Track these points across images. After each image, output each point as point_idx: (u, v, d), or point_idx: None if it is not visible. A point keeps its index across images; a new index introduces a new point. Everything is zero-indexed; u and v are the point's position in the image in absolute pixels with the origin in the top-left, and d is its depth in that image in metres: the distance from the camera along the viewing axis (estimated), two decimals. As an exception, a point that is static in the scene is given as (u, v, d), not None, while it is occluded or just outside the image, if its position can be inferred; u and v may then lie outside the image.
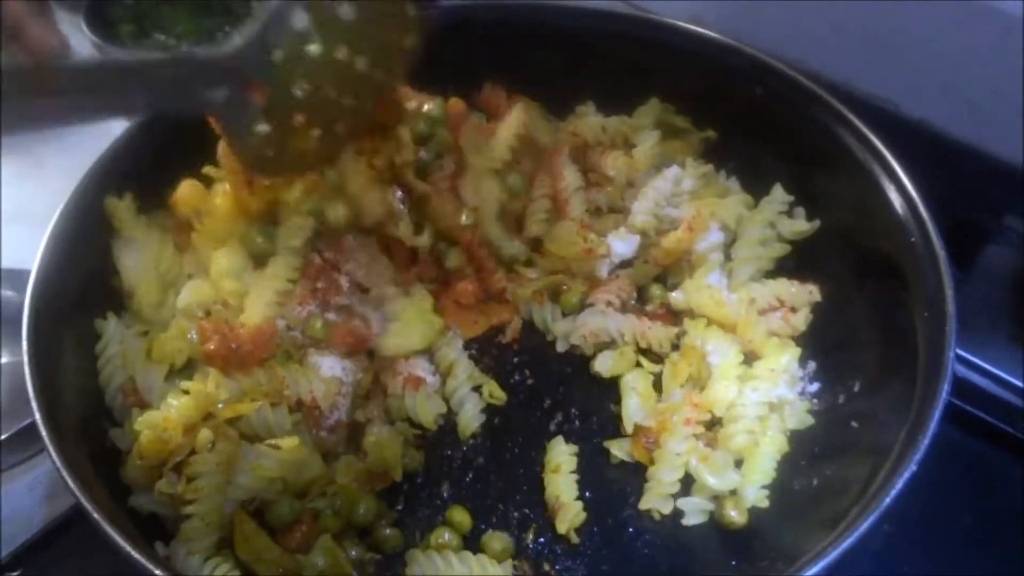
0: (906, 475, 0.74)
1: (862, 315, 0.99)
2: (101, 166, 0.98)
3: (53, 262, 0.91)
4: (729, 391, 0.95)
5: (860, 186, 0.98)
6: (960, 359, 1.04)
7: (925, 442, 0.77)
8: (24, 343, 0.84)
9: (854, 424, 0.93)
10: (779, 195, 1.08)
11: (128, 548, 0.72)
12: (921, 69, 1.12)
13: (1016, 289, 1.09)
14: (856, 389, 0.96)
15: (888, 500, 0.73)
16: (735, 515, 0.90)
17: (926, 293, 0.88)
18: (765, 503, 0.91)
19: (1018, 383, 1.02)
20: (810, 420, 0.96)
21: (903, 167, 0.95)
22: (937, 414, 0.79)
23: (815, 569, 0.70)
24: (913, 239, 0.92)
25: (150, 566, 0.71)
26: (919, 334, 0.87)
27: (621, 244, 1.08)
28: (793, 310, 1.03)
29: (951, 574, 0.94)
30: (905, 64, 1.13)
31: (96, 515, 0.74)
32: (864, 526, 0.72)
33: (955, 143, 1.15)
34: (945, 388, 0.80)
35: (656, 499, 0.92)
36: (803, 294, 1.02)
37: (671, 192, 1.09)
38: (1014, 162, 1.11)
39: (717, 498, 0.92)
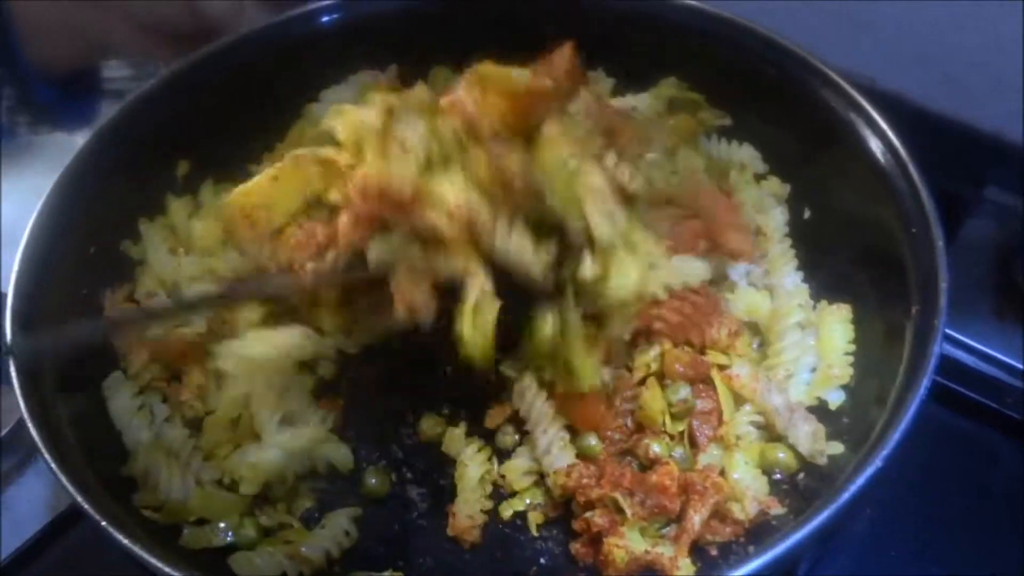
0: (875, 465, 0.73)
1: (869, 307, 0.96)
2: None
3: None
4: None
5: (867, 174, 0.95)
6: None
7: (895, 437, 0.75)
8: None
9: (845, 420, 0.92)
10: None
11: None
12: (896, 42, 1.09)
13: (999, 262, 1.06)
14: (851, 384, 0.94)
15: (847, 496, 0.73)
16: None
17: (919, 283, 0.86)
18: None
19: (1003, 358, 1.00)
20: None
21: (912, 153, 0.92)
22: (914, 407, 0.77)
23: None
24: (914, 230, 0.89)
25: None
26: (907, 328, 0.84)
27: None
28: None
29: (939, 555, 0.93)
30: (880, 37, 1.10)
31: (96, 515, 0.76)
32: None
33: (933, 115, 1.12)
34: (926, 382, 0.78)
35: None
36: None
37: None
38: (993, 133, 1.08)
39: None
